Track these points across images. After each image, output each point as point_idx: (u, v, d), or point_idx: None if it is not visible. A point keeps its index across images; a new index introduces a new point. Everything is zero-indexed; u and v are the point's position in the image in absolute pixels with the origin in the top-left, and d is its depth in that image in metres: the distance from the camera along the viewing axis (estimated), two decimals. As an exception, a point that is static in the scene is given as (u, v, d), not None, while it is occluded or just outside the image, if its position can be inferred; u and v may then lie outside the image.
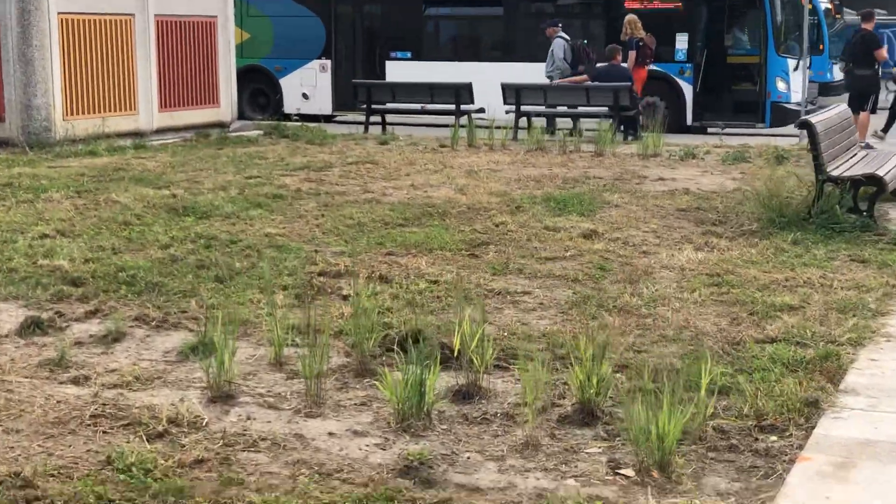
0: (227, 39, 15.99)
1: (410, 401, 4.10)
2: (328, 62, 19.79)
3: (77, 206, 8.58)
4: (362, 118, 16.70)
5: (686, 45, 17.48)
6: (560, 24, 16.78)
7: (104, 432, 3.98)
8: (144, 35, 14.41)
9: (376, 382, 4.41)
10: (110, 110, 13.99)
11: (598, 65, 16.23)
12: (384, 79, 18.77)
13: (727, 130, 16.55)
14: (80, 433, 3.97)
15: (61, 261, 6.55)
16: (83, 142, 12.90)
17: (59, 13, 13.18)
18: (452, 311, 5.65)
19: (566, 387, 4.47)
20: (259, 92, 20.20)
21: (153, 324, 5.38)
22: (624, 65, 15.77)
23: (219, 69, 15.84)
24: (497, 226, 8.03)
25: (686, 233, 8.02)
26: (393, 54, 19.39)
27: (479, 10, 19.41)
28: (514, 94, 15.60)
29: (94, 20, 13.74)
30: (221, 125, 15.89)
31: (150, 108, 14.64)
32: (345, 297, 5.93)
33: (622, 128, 15.28)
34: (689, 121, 17.40)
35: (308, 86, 19.94)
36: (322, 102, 19.92)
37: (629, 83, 15.19)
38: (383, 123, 16.68)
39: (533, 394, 4.05)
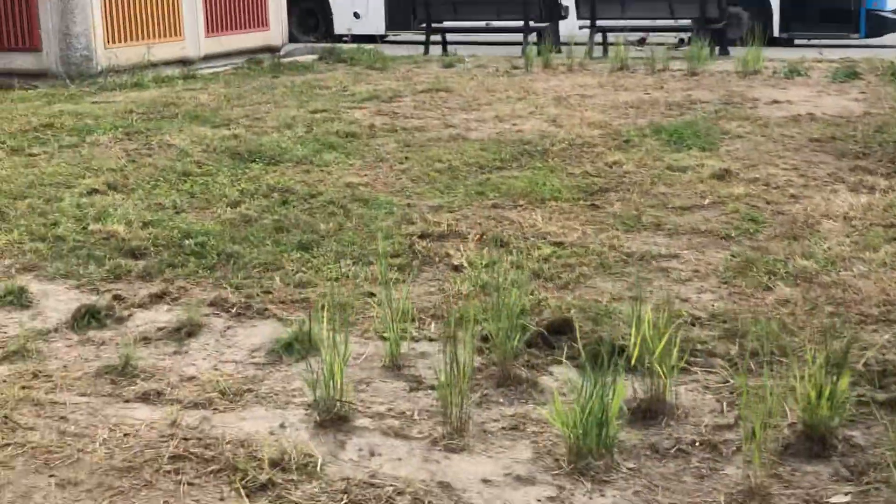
0: (276, -43, 14.82)
1: (589, 432, 3.10)
2: (381, -22, 18.53)
3: (128, 152, 7.59)
4: (417, 38, 15.48)
5: (771, -51, 15.96)
6: None
7: (189, 483, 3.02)
8: (188, -46, 13.27)
9: (535, 406, 3.41)
10: (155, 37, 12.93)
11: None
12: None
13: (822, 43, 15.11)
14: (159, 485, 3.01)
15: (115, 225, 5.57)
16: (127, 72, 11.88)
17: (95, -69, 12.06)
18: (591, 284, 4.63)
19: (775, 398, 3.43)
20: (308, 12, 19.02)
21: (233, 311, 4.39)
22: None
23: (268, -11, 14.71)
24: (610, 166, 6.92)
25: (831, 169, 6.86)
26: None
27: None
28: (588, 6, 14.30)
29: (134, -61, 12.60)
30: (272, 49, 14.82)
31: (197, 32, 13.56)
32: (456, 269, 4.91)
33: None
34: (776, 32, 15.94)
35: (360, 4, 18.73)
36: (375, 22, 18.72)
37: (717, -9, 13.82)
38: (444, 43, 15.48)
39: (759, 422, 3.01)
